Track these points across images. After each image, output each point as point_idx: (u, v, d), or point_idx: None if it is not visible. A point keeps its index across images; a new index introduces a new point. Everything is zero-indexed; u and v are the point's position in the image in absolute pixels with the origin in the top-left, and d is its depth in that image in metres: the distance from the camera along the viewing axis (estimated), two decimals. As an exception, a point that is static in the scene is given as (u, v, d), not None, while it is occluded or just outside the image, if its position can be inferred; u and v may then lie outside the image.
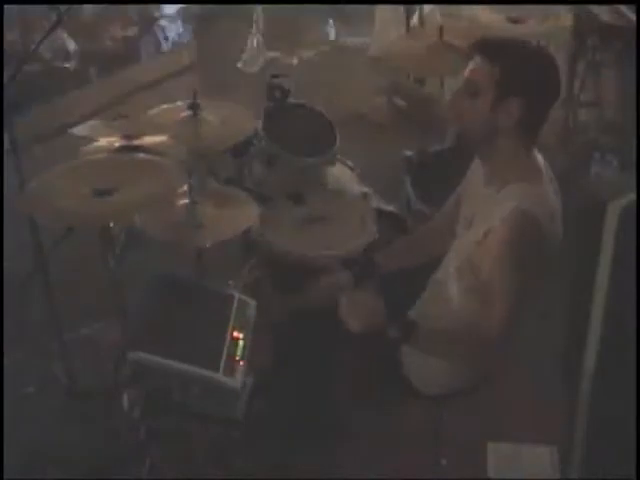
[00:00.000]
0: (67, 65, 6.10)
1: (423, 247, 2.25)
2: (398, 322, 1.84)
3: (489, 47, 1.86)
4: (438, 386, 2.09)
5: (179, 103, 2.75)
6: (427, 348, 1.92)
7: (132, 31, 6.70)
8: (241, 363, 1.99)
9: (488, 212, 1.89)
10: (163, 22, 6.95)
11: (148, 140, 2.59)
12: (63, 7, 2.41)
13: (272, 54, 5.81)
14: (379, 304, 1.85)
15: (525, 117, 1.84)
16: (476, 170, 2.06)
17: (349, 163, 3.20)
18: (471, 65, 1.88)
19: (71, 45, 6.24)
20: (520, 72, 1.83)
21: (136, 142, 2.57)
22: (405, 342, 1.89)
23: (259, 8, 5.70)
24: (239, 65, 5.72)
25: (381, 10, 5.70)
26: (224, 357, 1.97)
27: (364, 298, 1.88)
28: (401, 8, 5.32)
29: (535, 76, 1.84)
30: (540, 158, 1.99)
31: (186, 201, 2.42)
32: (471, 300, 1.95)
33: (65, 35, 6.13)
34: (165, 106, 2.83)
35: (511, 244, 1.80)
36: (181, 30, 6.64)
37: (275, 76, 3.16)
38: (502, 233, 1.82)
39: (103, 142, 2.63)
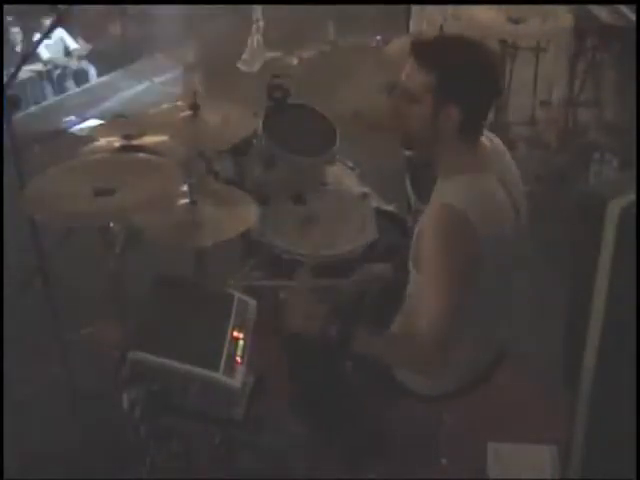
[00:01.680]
0: (67, 65, 6.11)
1: None
2: (336, 325, 1.86)
3: (424, 52, 1.82)
4: (428, 388, 2.09)
5: (179, 103, 2.75)
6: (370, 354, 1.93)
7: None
8: (241, 363, 1.99)
9: (428, 208, 1.89)
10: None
11: (148, 140, 2.59)
12: (63, 7, 2.41)
13: (272, 54, 5.82)
14: (318, 308, 1.89)
15: (466, 119, 1.80)
16: None
17: (349, 163, 3.20)
18: (407, 69, 1.84)
19: (71, 45, 6.25)
20: (457, 78, 1.78)
21: (136, 142, 2.57)
22: (345, 346, 1.89)
23: (259, 8, 5.71)
24: (239, 65, 5.73)
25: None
26: (224, 357, 1.97)
27: (303, 301, 1.94)
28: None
29: (473, 79, 1.78)
30: (494, 147, 1.93)
31: (186, 201, 2.42)
32: (412, 293, 1.96)
33: (65, 34, 6.15)
34: (165, 106, 2.83)
35: (435, 239, 1.78)
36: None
37: (275, 76, 3.15)
38: (427, 228, 1.81)
39: (103, 142, 2.63)
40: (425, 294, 1.81)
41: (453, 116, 1.79)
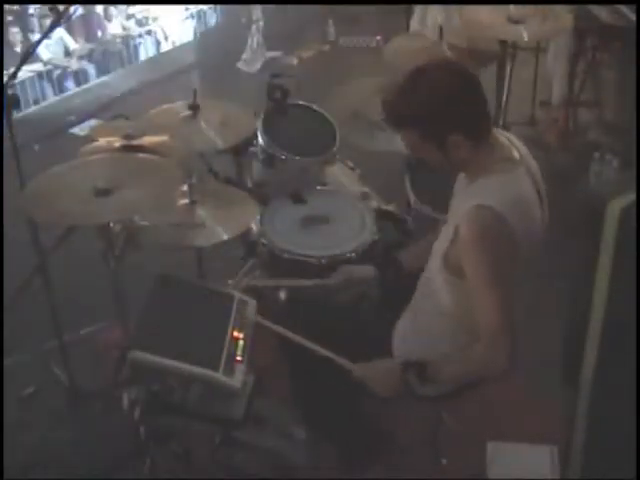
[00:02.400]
0: (67, 64, 6.11)
1: None
2: (412, 369, 1.92)
3: (392, 120, 1.89)
4: (431, 387, 2.09)
5: (179, 103, 2.75)
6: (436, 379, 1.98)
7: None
8: (241, 363, 1.99)
9: (459, 209, 1.90)
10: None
11: (148, 140, 2.59)
12: (63, 7, 2.41)
13: (272, 54, 5.82)
14: (393, 368, 1.95)
15: (471, 134, 1.84)
16: None
17: (349, 163, 3.20)
18: (400, 137, 1.94)
19: (71, 45, 6.25)
20: (435, 115, 1.81)
21: (136, 142, 2.57)
22: (423, 383, 1.96)
23: (259, 8, 5.71)
24: (239, 65, 5.73)
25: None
26: (224, 357, 1.97)
27: (383, 369, 1.99)
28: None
29: (448, 104, 1.81)
30: (514, 144, 1.97)
31: (186, 201, 2.42)
32: (452, 294, 1.97)
33: (65, 34, 6.15)
34: (165, 106, 2.83)
35: (474, 242, 1.80)
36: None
37: (275, 76, 3.15)
38: (464, 230, 1.83)
39: (103, 142, 2.63)
40: (480, 297, 1.84)
41: (459, 142, 1.83)
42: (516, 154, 1.93)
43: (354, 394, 2.27)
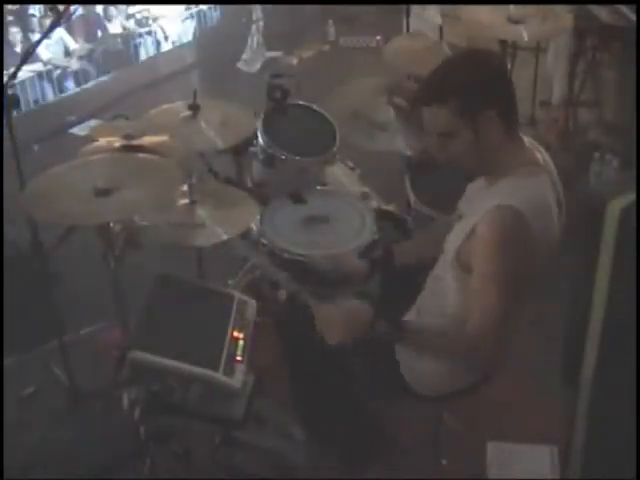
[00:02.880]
0: (67, 64, 6.11)
1: (440, 240, 2.24)
2: (386, 323, 1.83)
3: (427, 95, 1.86)
4: (433, 388, 2.09)
5: (179, 103, 2.75)
6: (418, 347, 1.92)
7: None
8: (241, 363, 1.99)
9: (477, 207, 1.90)
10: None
11: (148, 140, 2.59)
12: (63, 7, 2.41)
13: (272, 54, 5.82)
14: (360, 312, 1.85)
15: (503, 113, 1.85)
16: None
17: (349, 163, 3.20)
18: (425, 117, 1.88)
19: (71, 45, 6.25)
20: (471, 91, 1.82)
21: (136, 142, 2.57)
22: (396, 341, 1.89)
23: (259, 8, 5.70)
24: (239, 65, 5.73)
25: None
26: (224, 357, 1.97)
27: (337, 311, 1.87)
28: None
29: (484, 82, 1.84)
30: (537, 149, 1.98)
31: (186, 201, 2.42)
32: (460, 292, 1.96)
33: (65, 34, 6.14)
34: (165, 106, 2.83)
35: (493, 240, 1.80)
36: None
37: (275, 76, 3.15)
38: (484, 228, 1.82)
39: (103, 142, 2.63)
40: (480, 294, 1.82)
41: (493, 119, 1.82)
42: (540, 158, 1.94)
43: (355, 395, 2.28)
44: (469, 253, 1.87)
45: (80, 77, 6.15)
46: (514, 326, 1.95)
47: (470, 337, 1.81)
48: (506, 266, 1.80)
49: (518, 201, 1.81)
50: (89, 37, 6.55)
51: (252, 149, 2.95)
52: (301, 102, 3.10)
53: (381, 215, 2.84)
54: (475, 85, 1.82)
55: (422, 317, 2.08)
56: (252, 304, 2.20)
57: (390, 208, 2.97)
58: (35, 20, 6.18)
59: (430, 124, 1.88)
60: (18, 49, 5.84)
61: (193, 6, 6.93)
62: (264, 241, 2.63)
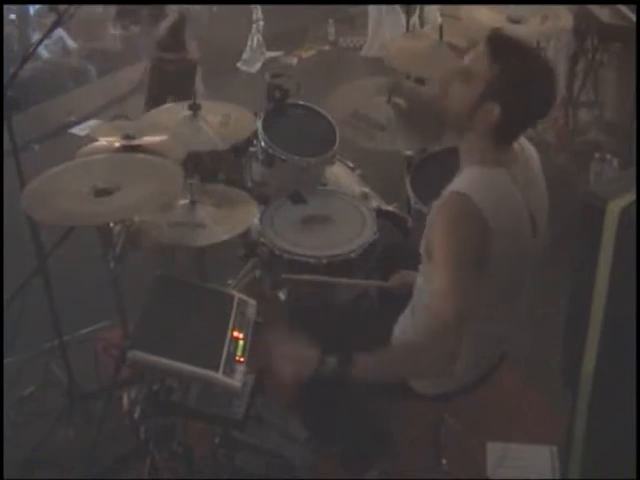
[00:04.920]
0: (67, 64, 6.10)
1: None
2: (337, 360, 1.80)
3: (498, 42, 1.82)
4: (431, 387, 2.09)
5: (179, 103, 2.75)
6: (380, 376, 1.86)
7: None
8: (241, 363, 1.99)
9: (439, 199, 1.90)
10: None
11: (148, 140, 2.59)
12: (63, 7, 2.41)
13: (272, 54, 5.82)
14: (305, 354, 1.82)
15: (503, 122, 1.80)
16: None
17: (349, 163, 3.20)
18: (473, 53, 1.86)
19: (71, 44, 6.25)
20: (514, 78, 1.78)
21: (136, 142, 2.57)
22: (348, 380, 1.82)
23: (259, 8, 5.70)
24: (239, 65, 5.73)
25: (373, 9, 5.71)
26: (224, 357, 1.97)
27: (286, 351, 1.86)
28: (397, 7, 5.34)
29: (526, 87, 1.79)
30: (522, 152, 1.94)
31: (186, 201, 2.42)
32: (427, 281, 1.94)
33: (65, 34, 6.14)
34: (165, 106, 2.83)
35: (444, 224, 1.79)
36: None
37: (275, 76, 3.15)
38: (435, 212, 1.83)
39: (103, 142, 2.63)
40: (436, 279, 1.80)
41: (493, 114, 1.79)
42: (511, 159, 1.89)
43: (355, 394, 2.28)
44: (428, 240, 1.87)
45: (80, 77, 6.15)
46: (496, 315, 1.93)
47: (429, 326, 1.79)
48: (455, 250, 1.77)
49: (470, 188, 1.79)
50: (89, 37, 6.55)
51: (252, 149, 2.95)
52: (301, 102, 3.10)
53: (381, 215, 2.84)
54: (515, 82, 1.78)
55: (416, 314, 2.08)
56: (252, 304, 2.19)
57: (390, 208, 2.97)
58: (35, 20, 6.19)
59: (471, 59, 1.85)
60: (18, 49, 5.83)
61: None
62: (264, 241, 2.63)
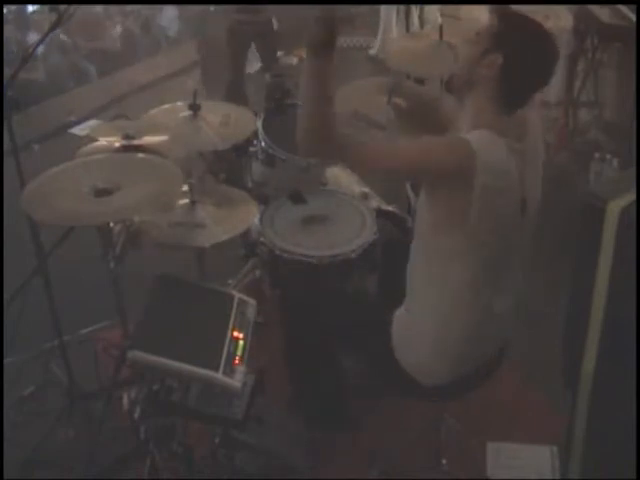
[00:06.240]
0: (67, 64, 6.11)
1: None
2: None
3: (504, 10, 1.98)
4: (430, 376, 2.07)
5: (179, 103, 2.75)
6: None
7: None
8: (241, 363, 1.99)
9: None
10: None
11: (148, 140, 2.59)
12: (63, 7, 2.41)
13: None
14: None
15: (506, 75, 1.88)
16: None
17: (349, 163, 3.20)
18: (487, 20, 1.99)
19: (70, 44, 6.25)
20: (517, 36, 1.89)
21: (136, 142, 2.57)
22: None
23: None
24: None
25: (385, 9, 5.72)
26: (224, 357, 1.97)
27: None
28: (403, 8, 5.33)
29: (529, 47, 1.88)
30: (528, 122, 2.00)
31: (186, 201, 2.42)
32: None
33: (65, 35, 6.14)
34: (165, 106, 2.83)
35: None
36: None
37: (275, 76, 3.15)
38: None
39: (103, 142, 2.63)
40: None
41: (496, 63, 1.87)
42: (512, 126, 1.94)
43: (353, 393, 2.28)
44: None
45: (80, 77, 6.15)
46: (483, 285, 1.96)
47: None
48: (433, 148, 1.88)
49: (472, 137, 1.85)
50: (89, 37, 6.55)
51: (252, 149, 2.95)
52: (301, 102, 3.09)
53: (381, 215, 2.84)
54: (516, 40, 1.88)
55: (411, 314, 2.08)
56: (252, 304, 2.19)
57: (390, 208, 2.97)
58: (34, 20, 6.19)
59: (482, 27, 1.95)
60: (17, 49, 5.84)
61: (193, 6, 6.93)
62: (264, 241, 2.63)
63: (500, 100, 1.90)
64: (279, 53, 5.84)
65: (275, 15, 4.63)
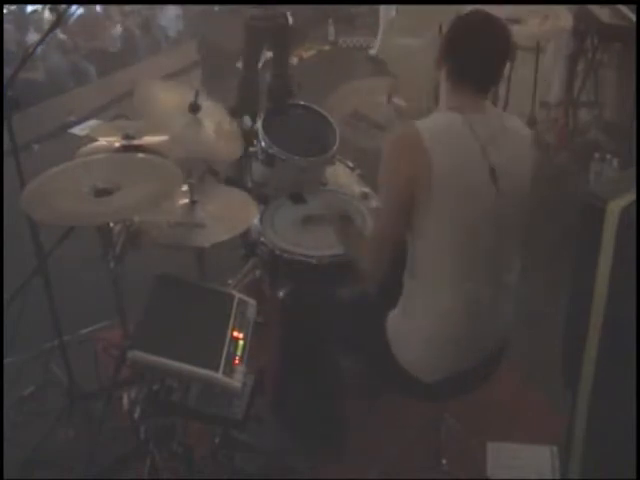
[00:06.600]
0: (66, 64, 6.11)
1: None
2: None
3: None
4: (426, 371, 2.07)
5: (179, 103, 2.75)
6: None
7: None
8: (241, 363, 1.99)
9: None
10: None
11: (148, 140, 2.59)
12: (63, 7, 2.41)
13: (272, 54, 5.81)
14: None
15: (450, 72, 1.97)
16: None
17: (349, 163, 3.20)
18: None
19: (70, 44, 6.25)
20: (452, 40, 1.97)
21: (136, 142, 2.57)
22: None
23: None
24: (239, 65, 5.72)
25: (385, 9, 5.73)
26: (224, 357, 1.97)
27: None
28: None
29: (460, 39, 1.96)
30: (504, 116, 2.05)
31: (186, 201, 2.42)
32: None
33: (64, 34, 6.14)
34: (165, 106, 2.82)
35: (385, 150, 1.99)
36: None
37: (276, 75, 3.15)
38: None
39: (103, 142, 2.63)
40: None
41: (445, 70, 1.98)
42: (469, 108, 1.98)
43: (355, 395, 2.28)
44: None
45: (80, 77, 6.15)
46: (460, 270, 1.96)
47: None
48: (388, 174, 1.98)
49: (421, 122, 1.92)
50: (89, 37, 6.55)
51: (252, 149, 2.95)
52: (301, 102, 3.10)
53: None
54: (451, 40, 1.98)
55: (407, 314, 2.08)
56: (252, 304, 2.19)
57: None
58: (34, 20, 6.19)
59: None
60: (17, 49, 5.84)
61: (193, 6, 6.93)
62: (264, 241, 2.63)
63: (454, 80, 1.98)
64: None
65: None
